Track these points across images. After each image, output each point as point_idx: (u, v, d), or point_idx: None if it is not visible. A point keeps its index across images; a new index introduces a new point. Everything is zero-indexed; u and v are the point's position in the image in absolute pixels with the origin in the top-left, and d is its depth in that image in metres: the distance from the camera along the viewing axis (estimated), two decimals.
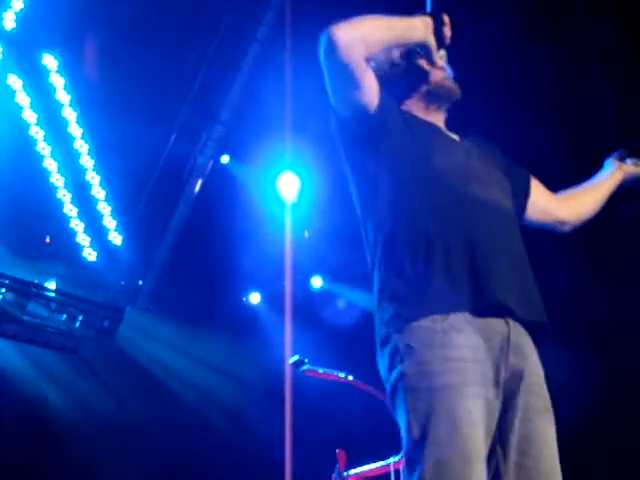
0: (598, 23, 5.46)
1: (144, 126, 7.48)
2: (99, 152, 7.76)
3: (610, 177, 2.74)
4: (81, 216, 7.77)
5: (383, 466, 4.19)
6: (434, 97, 2.37)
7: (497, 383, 1.95)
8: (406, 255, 2.05)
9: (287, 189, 7.73)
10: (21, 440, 7.37)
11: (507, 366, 1.98)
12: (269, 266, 8.28)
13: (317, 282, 8.73)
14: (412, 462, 1.87)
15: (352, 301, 8.28)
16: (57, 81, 7.49)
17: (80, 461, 7.67)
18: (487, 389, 1.92)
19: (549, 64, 5.73)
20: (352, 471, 4.35)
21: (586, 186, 2.72)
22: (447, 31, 2.27)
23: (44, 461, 7.58)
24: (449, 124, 2.42)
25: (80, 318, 7.89)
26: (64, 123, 7.59)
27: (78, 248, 7.78)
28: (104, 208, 7.88)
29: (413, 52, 2.35)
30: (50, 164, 7.55)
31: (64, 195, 7.65)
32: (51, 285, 7.83)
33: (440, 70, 2.35)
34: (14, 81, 7.25)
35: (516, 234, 2.21)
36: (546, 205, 2.55)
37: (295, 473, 6.91)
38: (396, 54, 2.38)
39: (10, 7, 7.04)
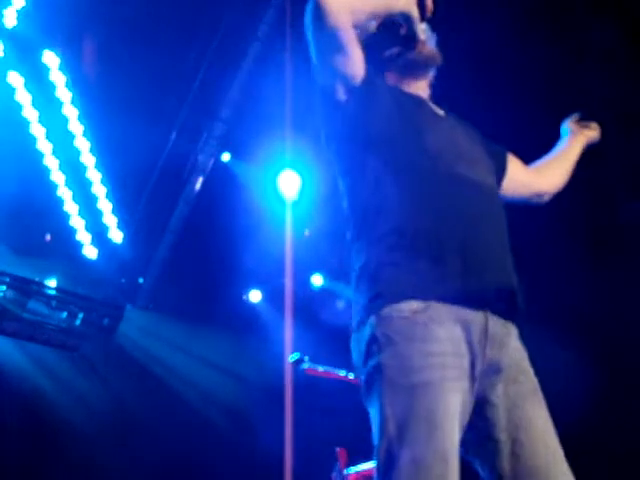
0: (598, 23, 5.47)
1: (145, 124, 7.47)
2: (100, 150, 7.77)
3: (574, 144, 2.78)
4: (82, 214, 7.78)
5: None
6: (414, 67, 2.34)
7: (473, 376, 1.92)
8: (392, 236, 2.01)
9: (287, 187, 7.73)
10: (21, 438, 7.37)
11: (484, 359, 1.95)
12: (269, 264, 8.27)
13: (317, 280, 8.73)
14: (387, 459, 1.82)
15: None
16: (58, 79, 7.50)
17: (80, 459, 7.67)
18: (464, 382, 1.89)
19: (549, 64, 5.73)
20: (352, 469, 4.35)
21: (555, 156, 2.75)
22: (429, 2, 2.26)
23: (44, 459, 7.59)
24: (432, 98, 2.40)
25: (80, 316, 7.91)
26: (65, 121, 7.60)
27: (78, 246, 7.80)
28: (104, 206, 7.90)
29: (391, 23, 2.30)
30: (51, 162, 7.56)
31: (64, 193, 7.66)
32: (51, 283, 7.85)
33: (421, 42, 2.32)
34: (15, 78, 7.26)
35: (501, 214, 2.18)
36: (524, 179, 2.57)
37: (295, 471, 6.92)
38: (373, 25, 2.34)
39: (11, 4, 7.04)
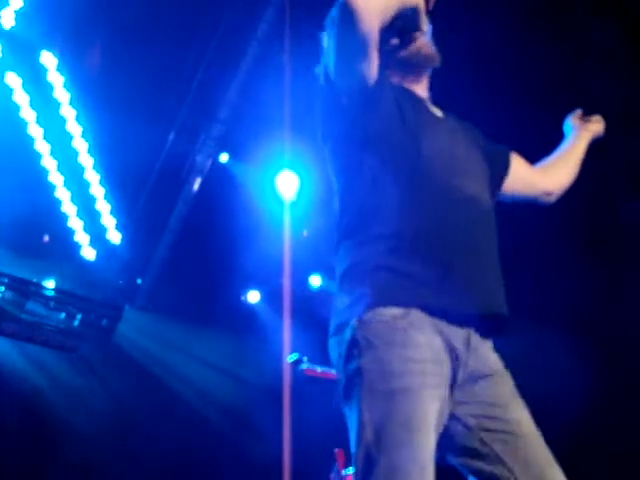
0: (598, 23, 5.46)
1: (143, 124, 7.47)
2: (98, 151, 7.76)
3: (579, 141, 2.74)
4: (80, 215, 7.77)
5: None
6: (415, 64, 2.31)
7: (452, 385, 1.92)
8: (388, 239, 1.99)
9: (286, 188, 7.72)
10: (20, 438, 7.36)
11: (465, 369, 1.95)
12: (268, 265, 8.27)
13: (316, 281, 8.73)
14: (365, 465, 1.80)
15: None
16: (56, 79, 7.49)
17: (78, 460, 7.66)
18: (443, 390, 1.89)
19: (549, 64, 5.73)
20: (350, 470, 4.34)
21: (560, 155, 2.72)
22: None
23: (43, 459, 7.58)
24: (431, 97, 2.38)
25: (79, 317, 7.90)
26: (63, 121, 7.59)
27: (77, 247, 7.79)
28: (103, 207, 7.89)
29: (396, 18, 2.23)
30: (49, 162, 7.54)
31: (63, 194, 7.65)
32: (50, 284, 7.84)
33: (424, 36, 2.29)
34: (13, 79, 7.24)
35: (492, 230, 2.16)
36: (530, 178, 2.55)
37: (294, 472, 6.91)
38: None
39: (9, 5, 7.03)
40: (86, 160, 7.74)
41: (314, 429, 7.20)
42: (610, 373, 5.61)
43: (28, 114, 7.37)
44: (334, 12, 2.11)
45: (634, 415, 5.40)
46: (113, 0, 7.30)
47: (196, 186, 8.22)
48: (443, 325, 1.93)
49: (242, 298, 9.13)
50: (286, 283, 7.87)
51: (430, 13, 2.29)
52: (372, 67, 2.09)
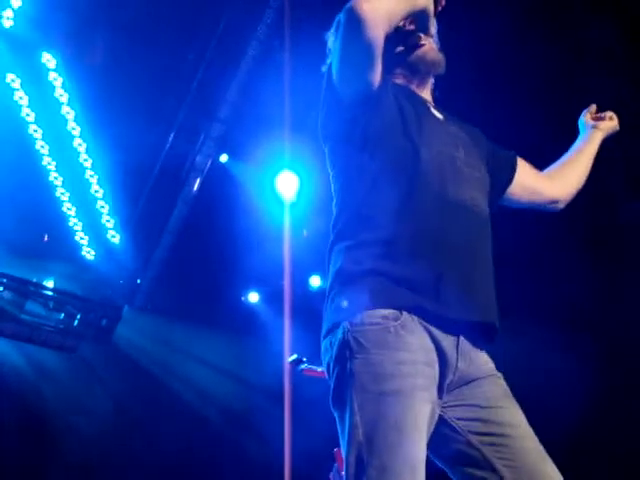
0: (597, 21, 5.46)
1: (143, 124, 7.47)
2: (98, 150, 7.75)
3: (590, 142, 2.68)
4: (79, 215, 7.77)
5: None
6: (420, 69, 2.29)
7: (442, 388, 1.93)
8: (374, 246, 1.99)
9: (286, 188, 7.72)
10: (19, 438, 7.37)
11: (455, 372, 1.95)
12: (268, 265, 8.27)
13: (316, 281, 8.73)
14: (356, 466, 1.80)
15: None
16: (56, 79, 7.48)
17: (78, 459, 7.67)
18: (434, 392, 1.89)
19: (548, 62, 5.73)
20: None
21: (570, 157, 2.65)
22: None
23: (42, 459, 7.58)
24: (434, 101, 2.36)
25: (78, 317, 7.90)
26: (63, 121, 7.59)
27: (76, 247, 7.79)
28: (102, 207, 7.88)
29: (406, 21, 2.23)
30: (49, 163, 7.54)
31: (62, 193, 7.65)
32: (49, 284, 7.84)
33: (430, 39, 2.28)
34: (13, 79, 7.24)
35: (487, 237, 2.14)
36: (536, 186, 2.50)
37: (294, 471, 6.91)
38: None
39: (9, 5, 7.02)
40: (86, 160, 7.73)
41: (314, 429, 7.21)
42: (610, 373, 5.61)
43: (28, 114, 7.36)
44: (340, 16, 2.09)
45: (634, 415, 5.39)
46: (113, 0, 7.29)
47: (196, 186, 8.22)
48: (433, 329, 1.93)
49: (242, 298, 9.13)
50: (286, 284, 7.88)
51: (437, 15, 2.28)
52: (376, 73, 2.08)
